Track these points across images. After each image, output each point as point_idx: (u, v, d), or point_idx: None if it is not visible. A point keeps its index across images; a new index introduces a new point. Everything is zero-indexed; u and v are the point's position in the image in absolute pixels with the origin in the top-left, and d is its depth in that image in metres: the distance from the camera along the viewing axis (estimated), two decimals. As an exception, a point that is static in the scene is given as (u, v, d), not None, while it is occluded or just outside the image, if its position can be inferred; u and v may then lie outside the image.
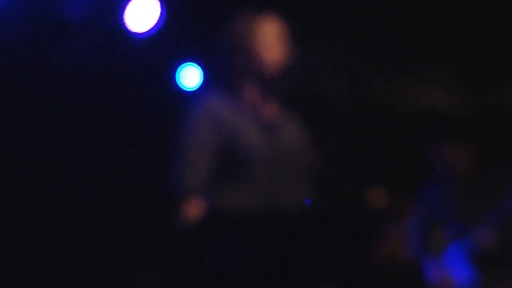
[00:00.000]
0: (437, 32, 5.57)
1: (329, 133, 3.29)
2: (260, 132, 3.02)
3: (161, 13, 4.80)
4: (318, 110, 3.31)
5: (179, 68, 5.27)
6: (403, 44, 5.64)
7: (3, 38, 4.76)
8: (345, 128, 3.21)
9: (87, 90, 5.21)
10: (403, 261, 5.32)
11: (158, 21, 4.82)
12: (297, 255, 2.91)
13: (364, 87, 5.71)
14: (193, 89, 5.22)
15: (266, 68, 3.05)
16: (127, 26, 4.80)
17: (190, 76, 5.31)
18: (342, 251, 2.74)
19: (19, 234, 5.10)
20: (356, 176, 5.08)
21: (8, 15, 4.65)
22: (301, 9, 4.45)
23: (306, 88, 4.65)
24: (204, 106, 3.04)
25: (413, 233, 4.68)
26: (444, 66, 5.92)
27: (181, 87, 5.26)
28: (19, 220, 5.11)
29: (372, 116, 5.37)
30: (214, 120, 2.98)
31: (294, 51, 3.07)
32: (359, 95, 5.69)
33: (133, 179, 5.35)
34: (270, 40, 3.07)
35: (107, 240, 5.30)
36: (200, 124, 2.99)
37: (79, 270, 5.21)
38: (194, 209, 2.90)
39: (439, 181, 4.60)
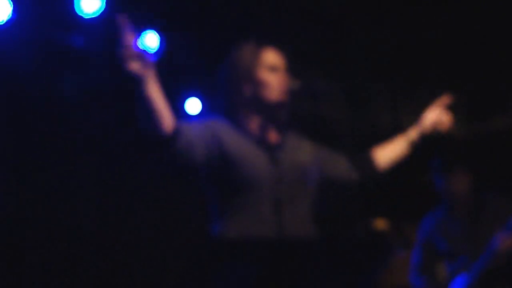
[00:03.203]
0: (438, 57, 5.61)
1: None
2: (263, 157, 3.03)
3: (163, 42, 4.87)
4: (320, 135, 3.34)
5: (184, 97, 5.34)
6: (405, 69, 5.68)
7: (9, 63, 4.82)
8: (348, 152, 3.23)
9: (91, 118, 5.25)
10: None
11: (161, 49, 4.88)
12: (303, 282, 2.94)
13: (366, 112, 5.74)
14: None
15: (269, 94, 3.09)
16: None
17: (193, 105, 5.37)
18: (348, 277, 2.76)
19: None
20: (360, 203, 5.11)
21: (14, 42, 4.71)
22: (301, 39, 4.51)
23: (308, 113, 4.70)
24: (210, 120, 3.07)
25: (417, 268, 4.67)
26: (445, 92, 5.94)
27: (187, 115, 5.31)
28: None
29: (374, 141, 5.38)
30: (217, 133, 3.01)
31: (295, 77, 3.12)
32: (361, 120, 5.72)
33: (140, 205, 5.37)
34: (273, 67, 3.11)
35: (113, 265, 5.30)
36: (203, 124, 3.02)
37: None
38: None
39: (442, 210, 4.62)
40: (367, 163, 3.29)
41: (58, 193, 5.16)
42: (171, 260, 5.27)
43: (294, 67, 3.14)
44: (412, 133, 3.39)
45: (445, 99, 3.44)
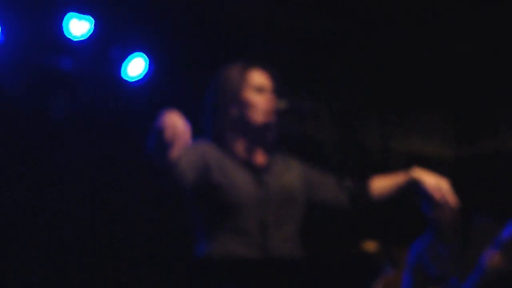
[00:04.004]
0: (428, 80, 5.63)
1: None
2: (249, 179, 3.02)
3: (150, 65, 4.89)
4: (308, 156, 3.33)
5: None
6: (394, 92, 5.70)
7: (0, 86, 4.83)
8: (336, 174, 3.23)
9: (81, 139, 5.25)
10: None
11: (149, 71, 4.90)
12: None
13: (354, 135, 5.75)
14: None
15: (256, 115, 3.07)
16: (122, 76, 4.89)
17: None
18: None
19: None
20: (348, 225, 5.11)
21: (2, 65, 4.72)
22: (290, 60, 4.52)
23: (296, 134, 4.71)
24: (198, 143, 3.04)
25: None
26: (432, 115, 5.98)
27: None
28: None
29: (363, 163, 5.41)
30: (205, 158, 2.99)
31: (282, 98, 3.11)
32: (349, 142, 5.73)
33: (126, 226, 5.36)
34: (259, 88, 3.10)
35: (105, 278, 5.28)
36: (193, 149, 2.98)
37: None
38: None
39: (430, 234, 4.62)
40: (364, 191, 3.25)
41: (47, 215, 5.14)
42: (157, 281, 5.25)
43: (281, 89, 3.14)
44: (414, 174, 3.26)
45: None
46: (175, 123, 2.62)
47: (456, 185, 4.60)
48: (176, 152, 2.68)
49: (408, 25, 5.15)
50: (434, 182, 3.21)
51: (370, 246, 6.59)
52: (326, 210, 3.21)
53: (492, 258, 4.29)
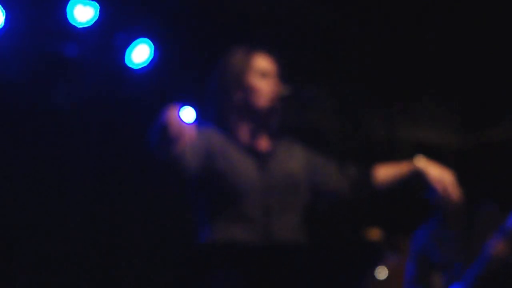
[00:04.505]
0: (433, 69, 5.61)
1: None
2: (253, 164, 3.01)
3: (155, 51, 4.88)
4: (311, 145, 3.32)
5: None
6: (400, 80, 5.69)
7: (1, 73, 4.82)
8: (339, 162, 3.22)
9: (85, 127, 5.25)
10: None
11: (154, 58, 4.89)
12: (290, 286, 2.93)
13: (357, 122, 5.74)
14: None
15: (260, 100, 3.06)
16: (125, 64, 4.89)
17: (187, 115, 5.37)
18: (337, 284, 2.73)
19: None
20: (352, 212, 5.12)
21: (7, 51, 4.71)
22: (295, 46, 4.51)
23: (299, 121, 4.69)
24: (202, 130, 3.03)
25: (412, 280, 4.65)
26: (438, 104, 5.96)
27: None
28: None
29: (366, 152, 5.41)
30: (209, 145, 2.99)
31: (286, 85, 3.09)
32: (354, 130, 5.73)
33: (128, 211, 5.37)
34: (263, 72, 3.09)
35: (101, 272, 5.29)
36: (197, 136, 2.95)
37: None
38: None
39: (434, 221, 4.61)
40: (367, 179, 3.24)
41: (51, 201, 5.15)
42: (160, 267, 5.26)
43: (285, 74, 3.13)
44: (418, 164, 3.24)
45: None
46: (180, 120, 2.62)
47: (462, 174, 4.60)
48: (180, 147, 2.68)
49: (415, 14, 5.13)
50: (438, 174, 3.20)
51: (374, 233, 6.59)
52: (328, 197, 3.20)
53: (496, 246, 4.29)
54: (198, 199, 3.02)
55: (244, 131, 3.08)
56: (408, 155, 3.39)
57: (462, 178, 4.56)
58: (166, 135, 2.63)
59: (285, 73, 3.13)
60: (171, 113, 2.64)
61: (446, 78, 5.68)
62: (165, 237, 5.33)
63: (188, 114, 5.35)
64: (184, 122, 2.65)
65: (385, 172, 3.26)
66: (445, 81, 5.70)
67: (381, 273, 6.42)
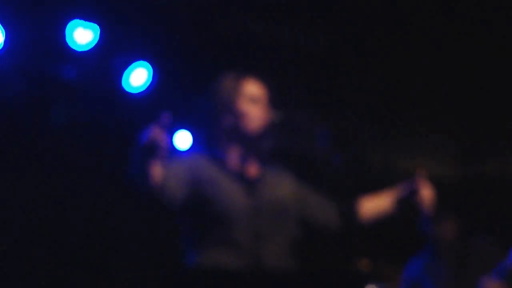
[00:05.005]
0: (431, 97, 5.61)
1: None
2: (242, 190, 3.00)
3: (153, 75, 4.90)
4: (303, 171, 3.31)
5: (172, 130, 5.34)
6: (396, 110, 5.68)
7: (1, 94, 4.84)
8: (332, 190, 3.21)
9: (82, 149, 5.26)
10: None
11: (152, 82, 4.91)
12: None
13: (355, 151, 5.73)
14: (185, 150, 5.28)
15: (250, 125, 3.06)
16: (122, 86, 4.90)
17: (182, 139, 5.38)
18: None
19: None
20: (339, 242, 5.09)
21: (5, 72, 4.73)
22: (288, 72, 4.52)
23: (290, 147, 4.69)
24: (189, 157, 3.05)
25: None
26: (436, 134, 5.96)
27: (175, 150, 5.31)
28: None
29: (360, 180, 5.41)
30: (196, 172, 2.98)
31: (277, 110, 3.09)
32: (350, 159, 5.71)
33: (116, 235, 5.36)
34: (253, 98, 3.09)
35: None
36: (183, 164, 3.00)
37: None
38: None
39: (428, 254, 4.59)
40: (351, 212, 3.21)
41: (46, 222, 5.15)
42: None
43: (276, 100, 3.13)
44: (399, 193, 3.23)
45: (421, 173, 3.32)
46: (155, 133, 2.65)
47: (458, 205, 4.58)
48: (156, 172, 2.71)
49: (413, 40, 5.13)
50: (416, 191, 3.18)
51: (363, 264, 6.57)
52: (316, 229, 3.19)
53: (488, 286, 4.24)
54: (185, 224, 3.01)
55: (234, 156, 3.07)
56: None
57: (458, 210, 4.55)
58: (141, 153, 2.65)
59: (277, 99, 3.13)
60: (147, 131, 2.66)
61: (445, 109, 5.68)
62: (152, 260, 5.32)
63: (184, 138, 5.36)
64: (162, 137, 2.66)
65: (370, 204, 3.24)
66: (444, 112, 5.70)
67: None
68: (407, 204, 3.22)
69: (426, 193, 3.17)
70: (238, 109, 3.07)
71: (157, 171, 2.74)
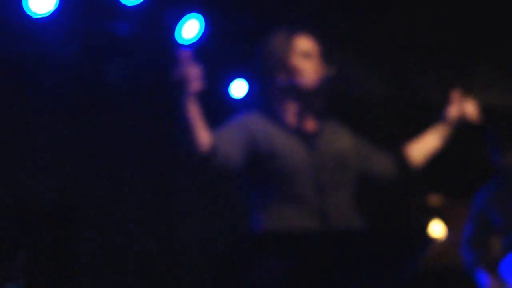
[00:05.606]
0: (492, 31, 5.51)
1: (376, 140, 3.29)
2: (301, 145, 3.01)
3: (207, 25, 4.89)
4: (363, 118, 3.31)
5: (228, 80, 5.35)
6: (458, 42, 5.59)
7: (55, 54, 4.88)
8: (395, 132, 3.21)
9: (139, 104, 5.30)
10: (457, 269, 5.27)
11: (204, 35, 4.90)
12: (346, 273, 2.93)
13: (414, 88, 5.67)
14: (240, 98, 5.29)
15: (304, 81, 3.06)
16: (177, 39, 4.90)
17: (238, 88, 5.39)
18: (391, 268, 2.72)
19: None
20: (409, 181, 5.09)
21: (59, 32, 4.76)
22: (334, 22, 4.45)
23: (346, 96, 4.66)
24: (243, 118, 3.07)
25: (469, 241, 4.61)
26: (500, 65, 5.86)
27: (231, 99, 5.33)
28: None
29: (423, 118, 5.34)
30: (251, 131, 3.01)
31: (330, 62, 3.09)
32: (408, 98, 5.66)
33: (179, 199, 5.40)
34: (306, 53, 3.09)
35: (153, 256, 5.34)
36: (237, 125, 3.03)
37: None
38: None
39: (496, 183, 4.56)
40: (401, 161, 3.23)
41: (103, 181, 5.22)
42: (212, 254, 5.27)
43: (329, 53, 3.11)
44: (442, 127, 3.30)
45: (457, 92, 3.32)
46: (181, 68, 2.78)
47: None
48: (203, 141, 2.78)
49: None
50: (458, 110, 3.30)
51: (435, 200, 6.56)
52: (375, 181, 3.20)
53: None
54: (249, 185, 3.04)
55: (290, 113, 3.08)
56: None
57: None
58: (183, 128, 2.77)
59: (329, 52, 3.11)
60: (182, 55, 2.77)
61: (501, 40, 5.57)
62: (218, 227, 5.35)
63: (239, 87, 5.37)
64: (189, 71, 2.77)
65: (417, 147, 3.28)
66: (500, 43, 5.59)
67: (438, 231, 6.37)
68: (458, 130, 3.25)
69: (469, 107, 3.20)
70: (292, 65, 3.07)
71: (203, 134, 2.81)
